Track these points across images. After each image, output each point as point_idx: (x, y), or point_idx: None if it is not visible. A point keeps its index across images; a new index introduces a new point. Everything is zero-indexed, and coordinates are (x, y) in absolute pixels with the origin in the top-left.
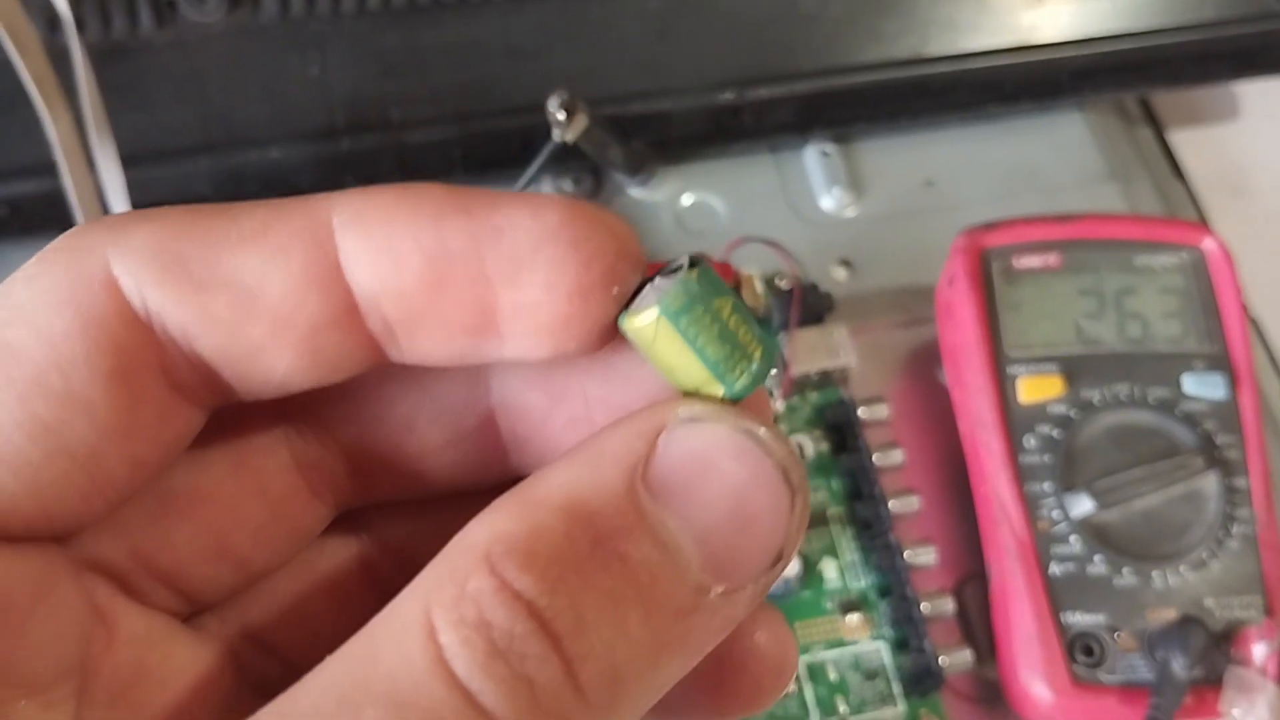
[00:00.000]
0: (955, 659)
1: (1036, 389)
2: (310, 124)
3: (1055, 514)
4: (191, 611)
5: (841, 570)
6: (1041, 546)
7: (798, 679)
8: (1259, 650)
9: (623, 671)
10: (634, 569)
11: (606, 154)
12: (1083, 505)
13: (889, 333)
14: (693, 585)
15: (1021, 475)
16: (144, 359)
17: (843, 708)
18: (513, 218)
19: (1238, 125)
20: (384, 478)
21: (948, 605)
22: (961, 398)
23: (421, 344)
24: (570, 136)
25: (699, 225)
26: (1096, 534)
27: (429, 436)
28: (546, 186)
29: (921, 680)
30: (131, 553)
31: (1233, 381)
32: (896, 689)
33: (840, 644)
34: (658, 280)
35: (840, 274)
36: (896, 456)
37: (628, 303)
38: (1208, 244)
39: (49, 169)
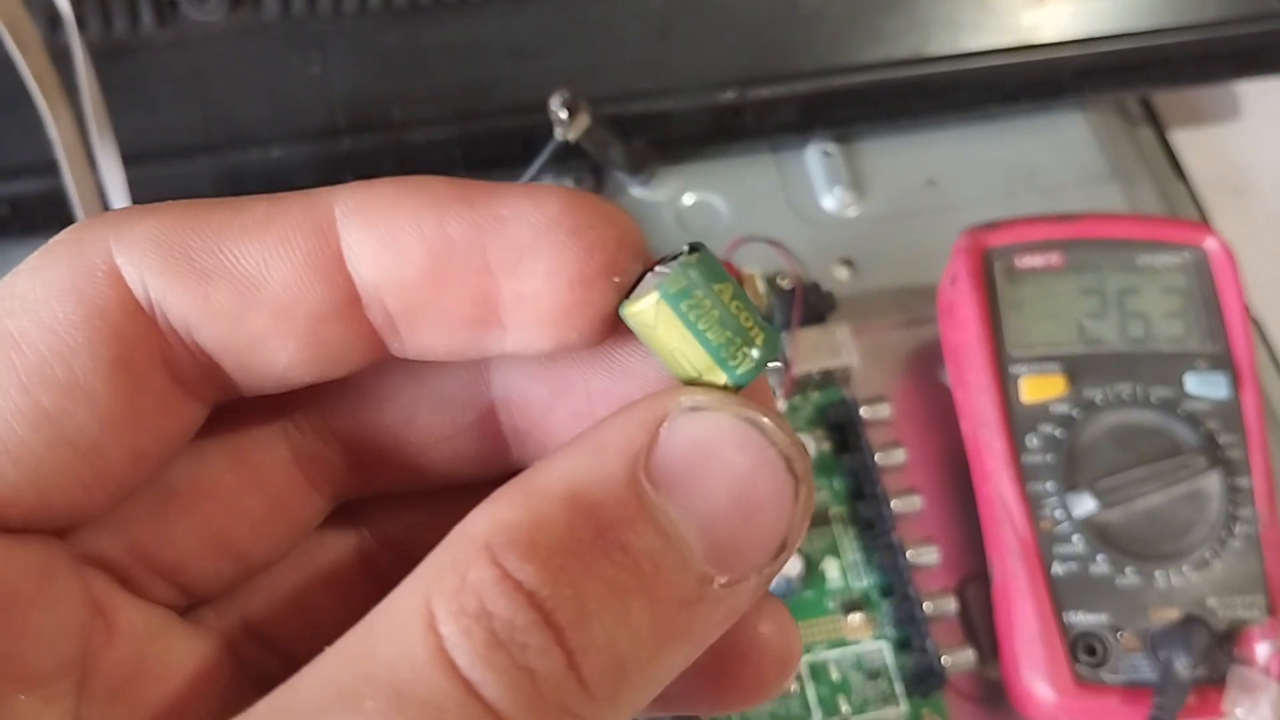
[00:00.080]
0: (958, 659)
1: (1039, 388)
2: (311, 123)
3: (1058, 513)
4: (190, 605)
5: (844, 570)
6: (1044, 546)
7: (800, 679)
8: (1262, 650)
9: (625, 662)
10: (637, 559)
11: (608, 153)
12: (1085, 505)
13: (891, 332)
14: (696, 575)
15: (1024, 475)
16: (146, 349)
17: (845, 708)
18: (515, 207)
19: (1239, 125)
20: (384, 470)
21: (950, 605)
22: (964, 397)
23: (423, 336)
24: (572, 135)
25: (700, 225)
26: (1099, 533)
27: (429, 429)
28: None
29: (924, 680)
30: (131, 547)
31: (1235, 381)
32: (899, 689)
33: (842, 644)
34: (658, 268)
35: (842, 273)
36: (898, 456)
37: (628, 292)
38: (1210, 243)
39: (50, 168)
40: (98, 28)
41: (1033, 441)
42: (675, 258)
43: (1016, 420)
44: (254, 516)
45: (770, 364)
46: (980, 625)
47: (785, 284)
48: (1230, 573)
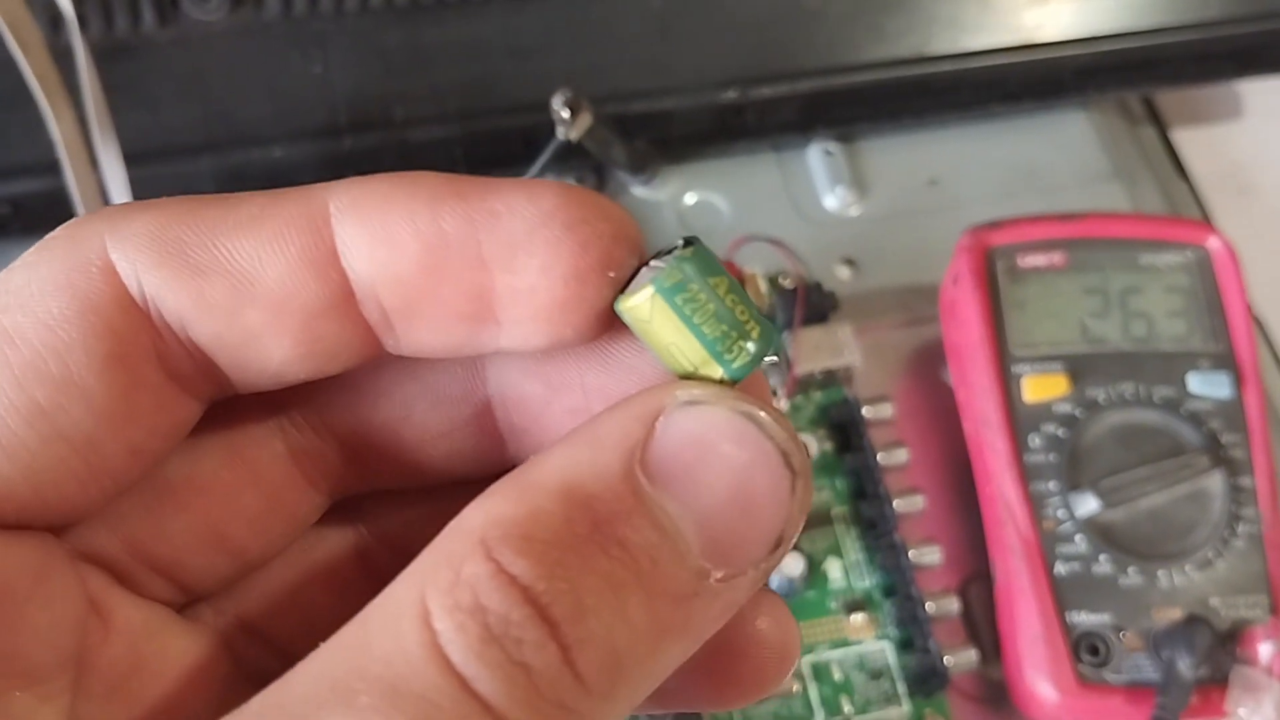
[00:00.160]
0: (960, 659)
1: (1041, 388)
2: (313, 122)
3: (1060, 513)
4: (187, 602)
5: (846, 570)
6: (1046, 546)
7: (802, 679)
8: (1265, 649)
9: (622, 657)
10: (633, 553)
11: (610, 153)
12: (1088, 504)
13: (893, 332)
14: (693, 570)
15: (1026, 474)
16: (141, 345)
17: (847, 708)
18: (509, 202)
19: (1241, 124)
20: (380, 466)
21: (952, 605)
22: (966, 397)
23: (418, 333)
24: (574, 135)
25: (702, 224)
26: (1102, 533)
27: (426, 425)
28: None
29: (926, 680)
30: (127, 544)
31: (1238, 380)
32: (901, 689)
33: (845, 644)
34: (653, 262)
35: (844, 273)
36: (901, 456)
37: (623, 288)
38: (1212, 243)
39: (52, 167)
40: (99, 27)
41: (1035, 441)
42: (670, 252)
43: (1019, 420)
44: (250, 512)
45: (766, 358)
46: (983, 625)
47: (787, 283)
48: (1233, 572)
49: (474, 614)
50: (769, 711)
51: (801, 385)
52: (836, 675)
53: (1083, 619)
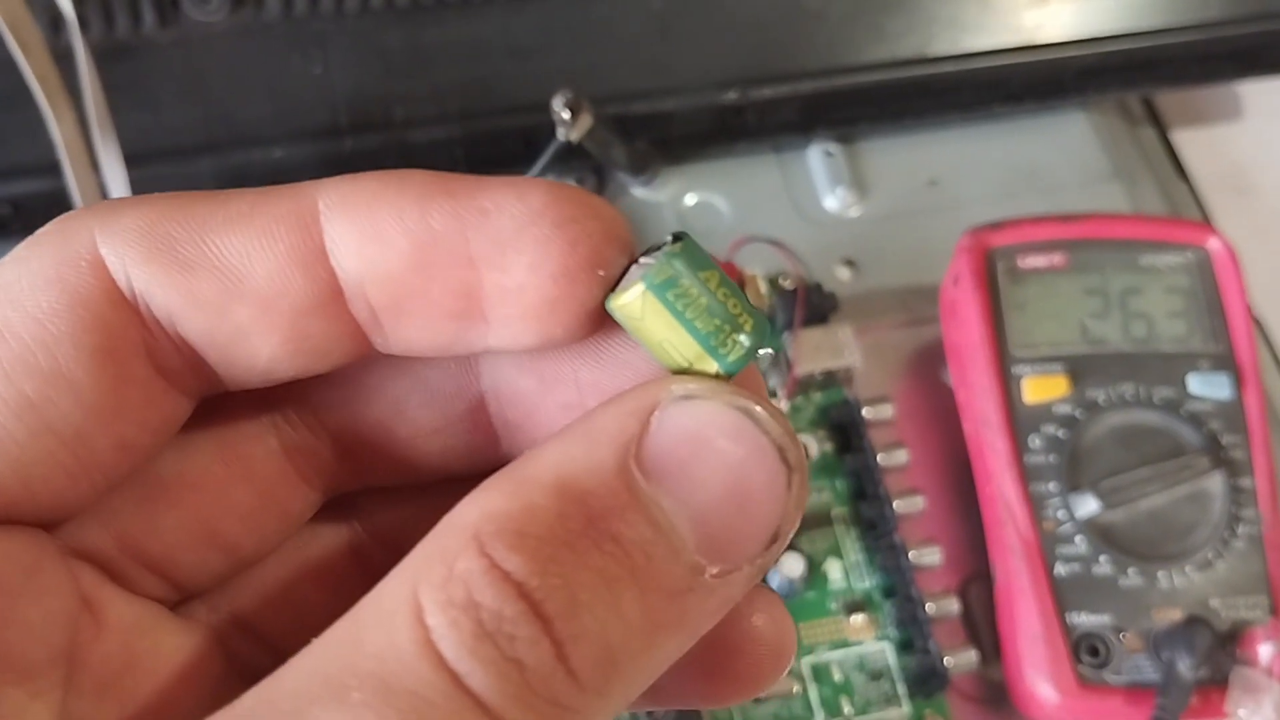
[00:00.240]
0: (960, 660)
1: (1041, 389)
2: (313, 123)
3: (1060, 514)
4: (180, 599)
5: (846, 571)
6: (1047, 547)
7: (802, 680)
8: (1265, 650)
9: (616, 653)
10: (627, 549)
11: (610, 153)
12: (1088, 505)
13: (893, 332)
14: (688, 565)
15: (1026, 475)
16: (130, 339)
17: (847, 709)
18: (498, 200)
19: (1241, 125)
20: (374, 463)
21: (952, 606)
22: (966, 398)
23: (407, 331)
24: (575, 136)
25: (703, 225)
26: (1102, 534)
27: (419, 422)
28: None
29: (926, 681)
30: (119, 541)
31: (1238, 381)
32: (901, 690)
33: (845, 645)
34: (642, 259)
35: (844, 274)
36: (901, 456)
37: (614, 286)
38: (1213, 244)
39: (52, 168)
40: (100, 28)
41: (1035, 442)
42: (659, 248)
43: (1019, 420)
44: (243, 509)
45: (761, 350)
46: (983, 626)
47: (787, 284)
48: (1233, 573)
49: (467, 610)
50: (769, 712)
51: (802, 386)
52: (836, 676)
53: (1083, 620)
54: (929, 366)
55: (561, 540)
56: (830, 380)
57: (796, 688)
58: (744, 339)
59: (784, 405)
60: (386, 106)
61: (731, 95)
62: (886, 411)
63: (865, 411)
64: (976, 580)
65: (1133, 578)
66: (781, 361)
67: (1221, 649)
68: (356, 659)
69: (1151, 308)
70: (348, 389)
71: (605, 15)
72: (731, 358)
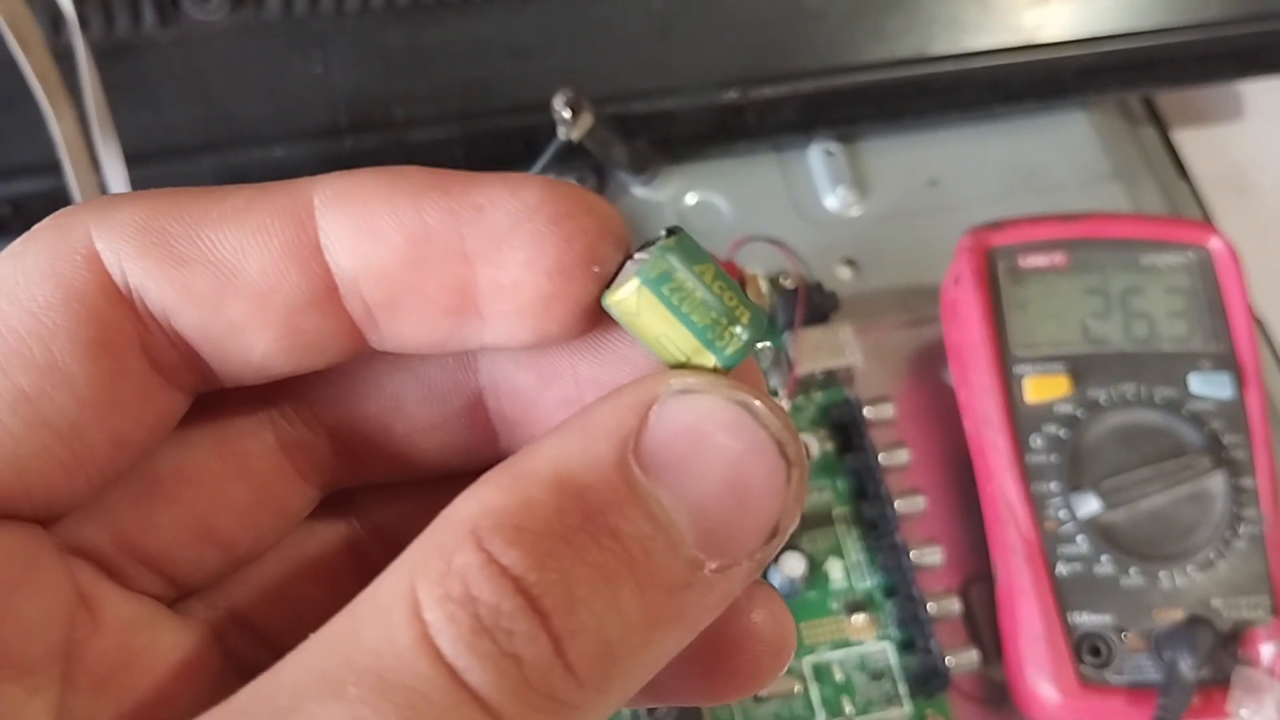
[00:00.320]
0: (961, 659)
1: (1043, 388)
2: (313, 122)
3: (1062, 514)
4: (177, 596)
5: (847, 570)
6: (1048, 546)
7: (804, 680)
8: (1266, 650)
9: (614, 648)
10: (626, 544)
11: (611, 153)
12: (1089, 505)
13: (894, 332)
14: (686, 560)
15: (1028, 475)
16: (125, 333)
17: (849, 708)
18: (492, 195)
19: (1242, 125)
20: (371, 459)
21: (954, 605)
22: (967, 397)
23: (401, 327)
24: (575, 135)
25: (703, 225)
26: (1103, 534)
27: (417, 417)
28: None
29: (928, 681)
30: (116, 537)
31: (1239, 381)
32: (902, 690)
33: (846, 644)
34: (636, 254)
35: (845, 273)
36: (902, 456)
37: (609, 282)
38: (1214, 243)
39: (52, 168)
40: (100, 27)
41: (1036, 441)
42: (653, 243)
43: (1020, 420)
44: (240, 505)
45: (759, 343)
46: (984, 626)
47: (788, 284)
48: (1235, 573)
49: (464, 605)
50: (770, 712)
51: (802, 386)
52: (838, 676)
53: (1084, 620)
54: (930, 366)
55: (559, 535)
56: (831, 380)
57: (798, 687)
58: (741, 331)
59: (785, 404)
60: (387, 106)
61: (732, 95)
62: (887, 411)
63: (866, 411)
64: (978, 580)
65: (1134, 577)
66: (782, 361)
67: (1223, 649)
68: (353, 654)
69: (1152, 307)
70: (345, 385)
71: (605, 15)
72: (729, 351)
